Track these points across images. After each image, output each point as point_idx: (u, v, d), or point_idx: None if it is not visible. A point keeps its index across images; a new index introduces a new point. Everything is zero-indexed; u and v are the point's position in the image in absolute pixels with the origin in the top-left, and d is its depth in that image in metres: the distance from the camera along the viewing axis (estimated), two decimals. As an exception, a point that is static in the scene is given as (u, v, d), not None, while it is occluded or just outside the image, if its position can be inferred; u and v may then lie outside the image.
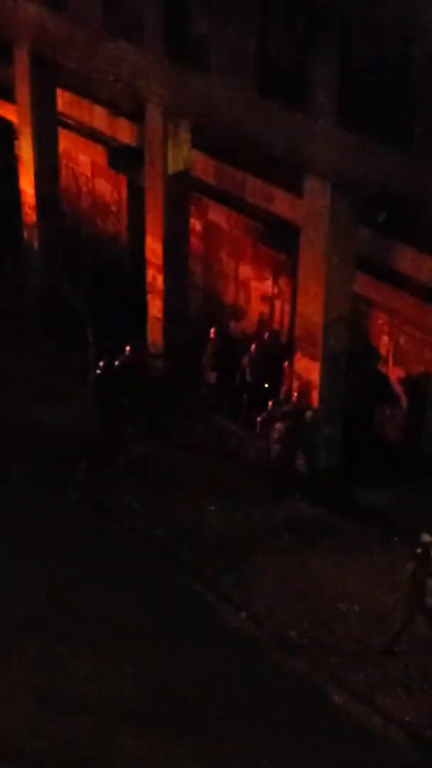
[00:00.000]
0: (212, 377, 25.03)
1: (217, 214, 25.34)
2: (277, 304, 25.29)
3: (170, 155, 24.76)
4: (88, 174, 29.17)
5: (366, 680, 18.16)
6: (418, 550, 18.28)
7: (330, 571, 20.34)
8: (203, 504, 22.11)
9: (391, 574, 20.05)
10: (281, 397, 23.08)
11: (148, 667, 18.37)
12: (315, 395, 22.37)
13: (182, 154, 24.93)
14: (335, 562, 20.52)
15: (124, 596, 19.80)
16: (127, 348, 24.36)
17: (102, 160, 27.90)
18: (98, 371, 24.03)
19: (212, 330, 25.04)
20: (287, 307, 24.71)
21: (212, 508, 22.00)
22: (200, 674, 18.31)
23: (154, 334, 26.04)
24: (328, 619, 19.37)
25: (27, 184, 28.38)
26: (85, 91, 27.31)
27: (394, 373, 23.18)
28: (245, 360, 24.41)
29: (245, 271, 25.89)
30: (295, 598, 19.83)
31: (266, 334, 25.17)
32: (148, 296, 25.93)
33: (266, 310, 25.64)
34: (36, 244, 28.67)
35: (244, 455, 23.21)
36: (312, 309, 22.01)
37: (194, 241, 26.24)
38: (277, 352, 24.33)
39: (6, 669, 18.31)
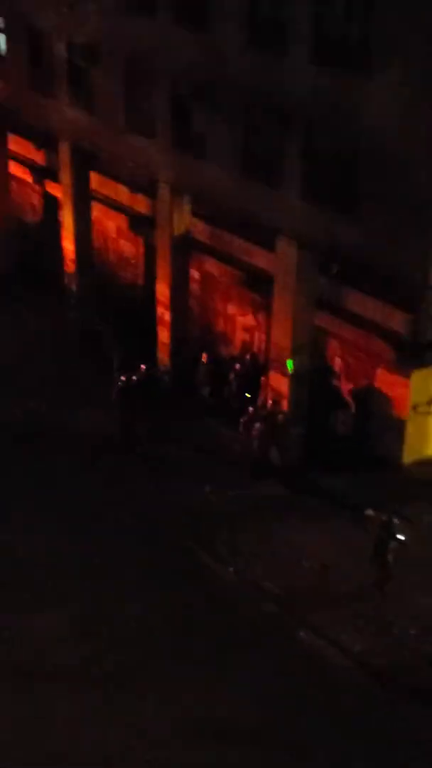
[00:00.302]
0: (206, 390, 24.85)
1: (211, 266, 25.10)
2: (256, 333, 25.07)
3: (175, 221, 24.64)
4: (114, 236, 28.97)
5: (323, 620, 17.86)
6: (383, 518, 18.04)
7: (297, 537, 20.03)
8: (200, 486, 21.80)
9: (342, 539, 19.78)
10: (259, 404, 22.84)
11: (157, 603, 18.06)
12: (285, 403, 22.15)
13: (184, 221, 24.78)
14: (300, 530, 20.21)
15: (135, 552, 19.51)
16: (142, 366, 24.15)
17: (124, 225, 27.69)
18: (120, 385, 23.80)
19: (204, 354, 24.84)
20: (263, 336, 24.48)
21: (207, 489, 21.69)
22: (194, 612, 18.03)
23: (163, 355, 25.85)
24: (294, 572, 19.08)
25: (68, 243, 28.23)
26: (112, 173, 27.07)
27: (345, 386, 22.93)
28: (231, 376, 24.31)
29: (231, 308, 25.67)
30: (270, 557, 19.52)
31: (247, 356, 24.96)
32: (158, 327, 25.75)
33: (247, 338, 25.40)
34: (75, 288, 28.50)
35: (231, 449, 22.91)
36: (282, 337, 21.84)
37: (193, 286, 26.05)
38: (255, 369, 24.12)
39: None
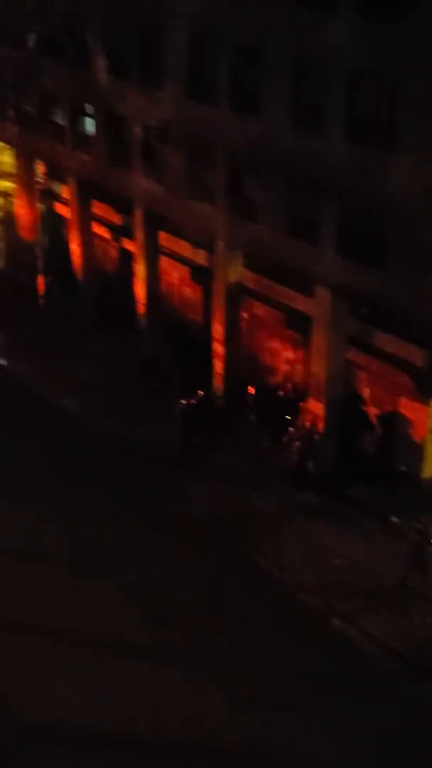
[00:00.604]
0: (253, 414, 24.38)
1: (258, 308, 24.76)
2: (296, 365, 24.60)
3: (229, 272, 24.37)
4: (178, 283, 28.72)
5: (355, 610, 17.29)
6: (419, 526, 17.60)
7: (330, 539, 19.51)
8: (248, 492, 21.37)
9: (369, 541, 19.21)
10: (299, 425, 22.38)
11: (207, 592, 17.58)
12: (320, 424, 21.67)
13: (237, 271, 24.51)
14: (333, 533, 19.69)
15: (189, 546, 19.06)
16: (200, 392, 23.92)
17: (187, 275, 27.47)
18: (182, 407, 23.55)
19: (251, 387, 24.35)
20: (302, 368, 24.03)
21: (254, 495, 21.25)
22: (243, 602, 17.55)
23: (218, 383, 25.51)
24: (328, 569, 18.54)
25: (140, 289, 28.06)
26: (177, 232, 26.91)
27: (373, 411, 22.36)
28: (275, 401, 23.91)
29: (276, 344, 25.23)
30: (307, 555, 19.01)
31: (289, 385, 24.50)
32: (214, 359, 25.43)
33: (289, 369, 24.93)
34: (144, 327, 28.29)
35: (274, 463, 22.45)
36: (319, 369, 21.40)
37: (243, 325, 25.68)
38: (296, 396, 23.66)
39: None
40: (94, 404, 25.10)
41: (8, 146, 33.79)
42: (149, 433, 23.85)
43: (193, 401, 23.52)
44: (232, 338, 25.11)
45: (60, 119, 29.06)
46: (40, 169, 32.75)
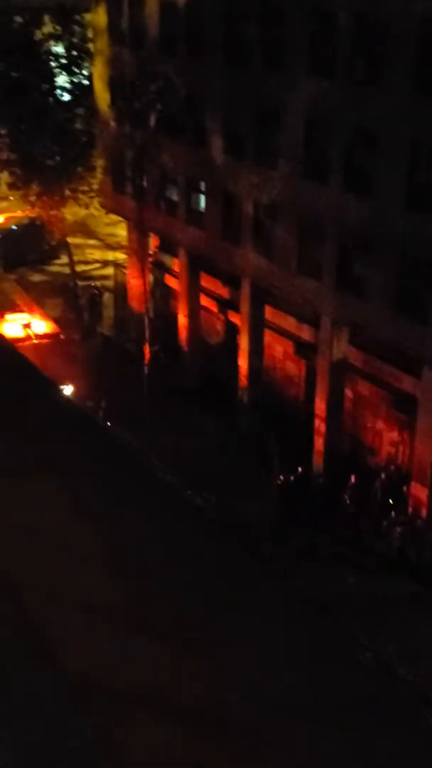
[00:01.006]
0: (353, 496, 23.81)
1: (363, 387, 24.49)
2: (401, 447, 24.06)
3: (334, 349, 24.24)
4: (281, 357, 28.80)
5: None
6: None
7: (430, 630, 18.70)
8: (345, 575, 20.79)
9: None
10: (401, 509, 21.75)
11: (299, 677, 16.90)
12: (424, 510, 20.98)
13: (342, 348, 24.36)
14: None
15: (285, 627, 18.50)
16: (299, 468, 23.58)
17: (290, 350, 27.54)
18: (279, 483, 23.29)
19: (353, 476, 23.66)
20: (407, 450, 23.45)
21: (351, 579, 20.65)
22: (331, 689, 16.76)
23: (317, 461, 25.16)
24: (427, 660, 17.67)
25: (243, 362, 28.23)
26: (283, 306, 27.10)
27: None
28: (377, 483, 23.30)
29: (379, 424, 24.80)
30: (404, 645, 18.18)
31: (392, 467, 23.92)
32: (315, 436, 25.15)
33: (393, 451, 24.40)
34: (246, 400, 28.34)
35: (373, 547, 21.83)
36: (424, 453, 20.82)
37: (347, 403, 25.39)
38: (399, 479, 23.04)
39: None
40: (194, 475, 25.10)
41: (124, 220, 35.09)
42: (248, 507, 23.62)
43: (292, 478, 23.24)
44: (334, 416, 24.83)
45: (174, 195, 30.01)
46: (152, 242, 33.79)
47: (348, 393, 25.18)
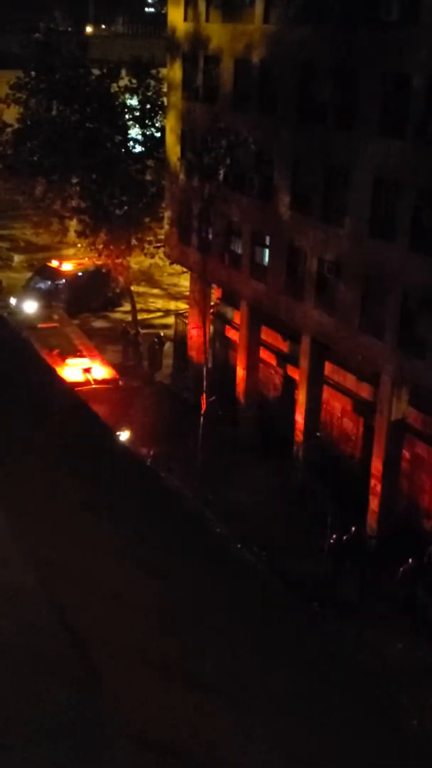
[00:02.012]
0: (408, 559, 23.45)
1: (421, 449, 24.31)
2: (457, 512, 23.78)
3: (393, 408, 24.15)
4: (339, 414, 28.78)
5: None
6: None
7: None
8: (397, 640, 20.41)
9: None
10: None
11: (344, 744, 16.63)
12: None
13: (402, 408, 24.27)
14: None
15: (332, 694, 18.22)
16: (353, 529, 23.38)
17: (349, 407, 27.52)
18: (333, 543, 23.09)
19: (410, 559, 22.89)
20: (464, 515, 23.15)
21: (400, 645, 20.27)
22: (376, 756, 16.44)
23: (371, 522, 24.91)
24: None
25: (299, 417, 28.27)
26: (343, 363, 27.19)
27: None
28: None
29: (437, 488, 24.59)
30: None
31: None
32: (370, 496, 24.94)
33: (449, 515, 24.13)
34: (301, 455, 28.31)
35: (428, 614, 21.44)
36: None
37: (404, 464, 25.19)
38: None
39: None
40: (246, 529, 25.09)
41: (187, 271, 35.77)
42: (298, 564, 23.48)
43: (345, 538, 23.04)
44: (390, 476, 24.63)
45: (239, 249, 30.55)
46: (214, 293, 34.34)
47: (405, 454, 25.00)
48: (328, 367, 27.87)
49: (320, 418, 28.44)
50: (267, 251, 29.15)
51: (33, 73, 36.39)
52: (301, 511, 26.56)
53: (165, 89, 35.21)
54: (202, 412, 28.69)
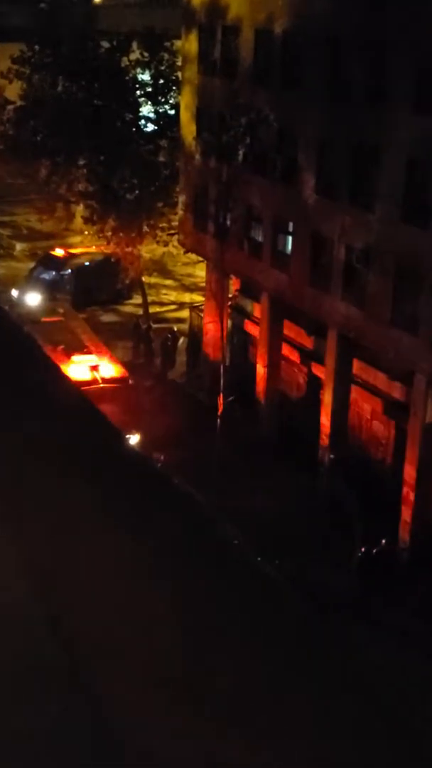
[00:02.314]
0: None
1: (458, 454, 24.30)
2: None
3: (429, 410, 24.11)
4: (368, 417, 28.73)
5: None
6: None
7: None
8: (426, 660, 20.42)
9: None
10: None
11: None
12: None
13: (437, 410, 24.22)
14: None
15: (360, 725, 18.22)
16: (383, 540, 23.40)
17: (379, 408, 27.48)
18: (361, 554, 23.11)
19: None
20: None
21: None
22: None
23: (403, 533, 24.88)
24: None
25: (325, 419, 28.26)
26: (373, 361, 27.14)
27: None
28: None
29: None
30: None
31: None
32: (402, 506, 24.91)
33: None
34: (326, 460, 28.29)
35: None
36: None
37: (439, 471, 25.16)
38: None
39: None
40: (267, 539, 25.10)
41: (203, 260, 35.83)
42: (324, 578, 23.48)
43: (374, 550, 23.06)
44: (425, 484, 24.59)
45: (259, 236, 30.58)
46: (232, 285, 34.39)
47: (441, 459, 24.97)
48: (357, 365, 27.84)
49: (348, 420, 28.41)
50: (290, 238, 29.16)
51: (37, 47, 36.56)
52: (327, 520, 26.54)
53: (179, 63, 35.26)
54: (219, 413, 28.74)
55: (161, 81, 36.99)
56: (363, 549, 23.19)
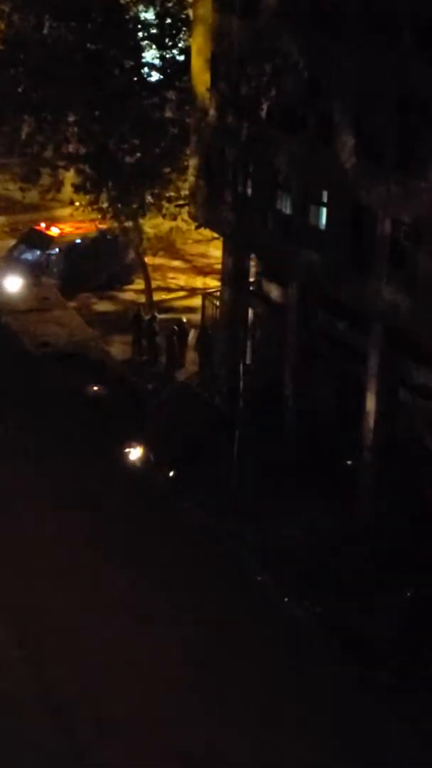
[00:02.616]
0: None
1: None
2: None
3: None
4: (420, 427, 28.60)
5: None
6: None
7: None
8: None
9: None
10: None
11: None
12: None
13: None
14: None
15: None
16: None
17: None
18: (410, 597, 23.11)
19: None
20: None
21: None
22: None
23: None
24: None
25: (369, 433, 28.20)
26: (426, 360, 27.03)
27: None
28: None
29: None
30: None
31: None
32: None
33: None
34: (369, 481, 28.25)
35: None
36: None
37: None
38: None
39: None
40: (295, 578, 25.06)
41: (219, 237, 35.79)
42: (363, 623, 23.41)
43: (425, 591, 23.03)
44: None
45: (287, 208, 30.52)
46: (254, 267, 34.34)
47: None
48: (406, 365, 27.76)
49: (395, 431, 28.33)
50: (324, 211, 29.11)
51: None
52: (368, 553, 26.47)
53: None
54: (237, 422, 28.73)
55: (168, 20, 36.99)
56: (412, 588, 23.15)
